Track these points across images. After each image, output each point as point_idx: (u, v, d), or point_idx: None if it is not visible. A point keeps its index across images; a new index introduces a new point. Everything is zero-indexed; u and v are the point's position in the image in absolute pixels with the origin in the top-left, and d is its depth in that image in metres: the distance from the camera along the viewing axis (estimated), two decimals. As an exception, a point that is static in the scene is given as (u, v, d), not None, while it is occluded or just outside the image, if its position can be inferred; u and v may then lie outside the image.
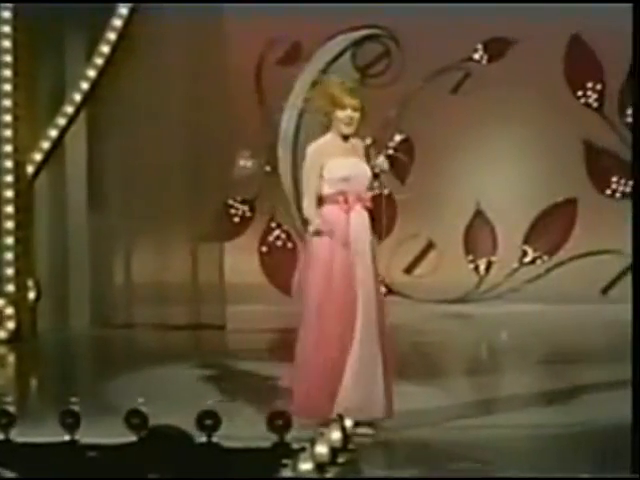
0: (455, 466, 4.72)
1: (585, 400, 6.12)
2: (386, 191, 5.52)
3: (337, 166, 5.42)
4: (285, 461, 3.90)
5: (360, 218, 5.41)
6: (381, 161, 5.45)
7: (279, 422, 4.46)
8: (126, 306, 9.39)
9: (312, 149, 5.48)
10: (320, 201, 5.43)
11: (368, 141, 5.51)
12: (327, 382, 5.26)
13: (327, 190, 5.42)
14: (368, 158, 5.48)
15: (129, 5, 9.06)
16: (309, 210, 5.43)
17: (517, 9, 9.79)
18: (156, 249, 9.36)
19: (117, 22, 9.08)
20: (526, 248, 10.30)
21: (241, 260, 10.02)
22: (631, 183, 10.30)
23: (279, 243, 10.51)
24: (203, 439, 4.44)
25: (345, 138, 5.47)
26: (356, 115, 5.44)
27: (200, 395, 4.40)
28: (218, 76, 9.23)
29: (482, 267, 10.31)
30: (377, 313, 5.36)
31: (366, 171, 5.45)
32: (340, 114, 5.43)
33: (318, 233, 5.34)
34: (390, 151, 5.55)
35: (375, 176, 5.46)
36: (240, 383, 6.80)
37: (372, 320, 5.33)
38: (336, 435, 4.13)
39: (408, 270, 10.10)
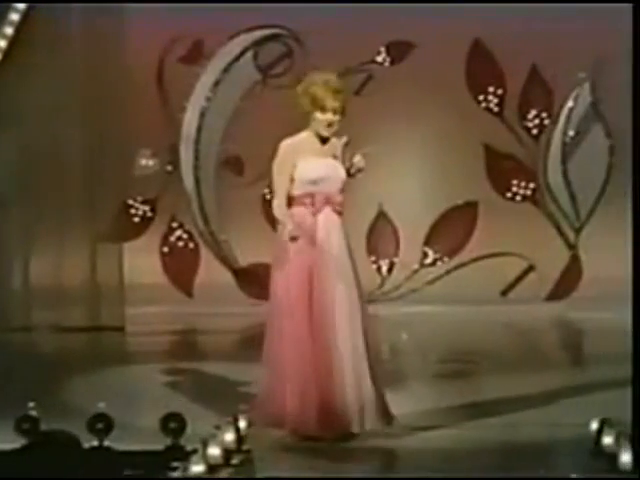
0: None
1: (482, 401, 6.16)
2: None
3: (307, 168, 5.22)
4: (176, 463, 3.85)
5: (329, 220, 5.24)
6: (358, 160, 5.28)
7: (173, 424, 4.41)
8: (23, 308, 9.22)
9: (284, 146, 5.25)
10: (289, 201, 5.23)
11: (344, 139, 5.30)
12: (301, 385, 5.08)
13: (295, 191, 5.23)
14: (344, 157, 5.29)
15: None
16: (279, 210, 5.21)
17: (420, 11, 9.84)
18: (54, 250, 9.21)
19: (14, 17, 8.92)
20: (427, 250, 10.37)
21: (141, 261, 9.91)
22: (532, 186, 10.44)
23: (181, 244, 10.42)
24: (95, 443, 4.38)
25: (322, 139, 5.27)
26: (337, 118, 5.23)
27: (94, 399, 4.36)
28: (119, 74, 9.11)
29: (384, 268, 10.35)
30: (361, 314, 5.26)
31: (340, 173, 5.28)
32: (320, 116, 5.21)
33: (294, 239, 5.11)
34: (364, 150, 5.36)
35: (350, 176, 5.30)
36: (140, 386, 6.72)
37: (356, 321, 5.23)
38: (229, 436, 4.09)
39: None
